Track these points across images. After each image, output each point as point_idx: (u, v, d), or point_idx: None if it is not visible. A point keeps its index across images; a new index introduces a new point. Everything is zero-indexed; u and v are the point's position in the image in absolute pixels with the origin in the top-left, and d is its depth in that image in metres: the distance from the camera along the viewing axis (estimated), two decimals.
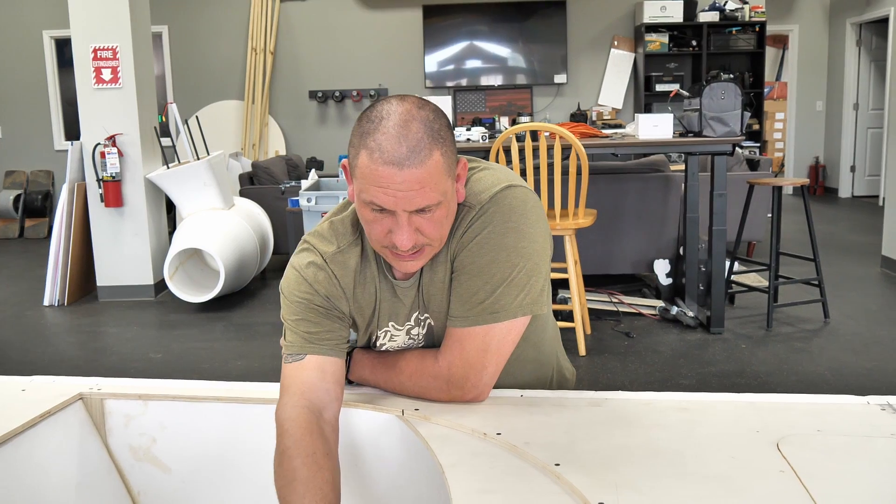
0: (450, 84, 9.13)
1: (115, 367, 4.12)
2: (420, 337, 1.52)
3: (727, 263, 4.68)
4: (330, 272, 1.46)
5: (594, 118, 9.07)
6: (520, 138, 4.07)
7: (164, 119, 5.89)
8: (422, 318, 1.50)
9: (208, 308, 5.28)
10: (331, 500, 1.23)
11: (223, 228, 5.22)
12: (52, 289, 5.58)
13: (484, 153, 4.25)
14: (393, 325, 1.51)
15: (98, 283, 5.69)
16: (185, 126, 5.79)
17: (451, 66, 9.15)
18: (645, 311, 4.84)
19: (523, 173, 4.03)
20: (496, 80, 9.17)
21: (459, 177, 1.38)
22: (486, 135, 4.42)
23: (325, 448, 1.31)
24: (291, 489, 1.24)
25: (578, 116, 8.75)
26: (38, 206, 8.98)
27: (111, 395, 1.58)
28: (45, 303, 5.60)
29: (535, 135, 4.01)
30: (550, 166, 3.97)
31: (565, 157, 3.96)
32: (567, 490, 1.16)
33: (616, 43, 9.28)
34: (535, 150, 4.02)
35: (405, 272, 1.43)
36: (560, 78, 9.15)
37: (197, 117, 6.37)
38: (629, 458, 1.24)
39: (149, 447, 1.58)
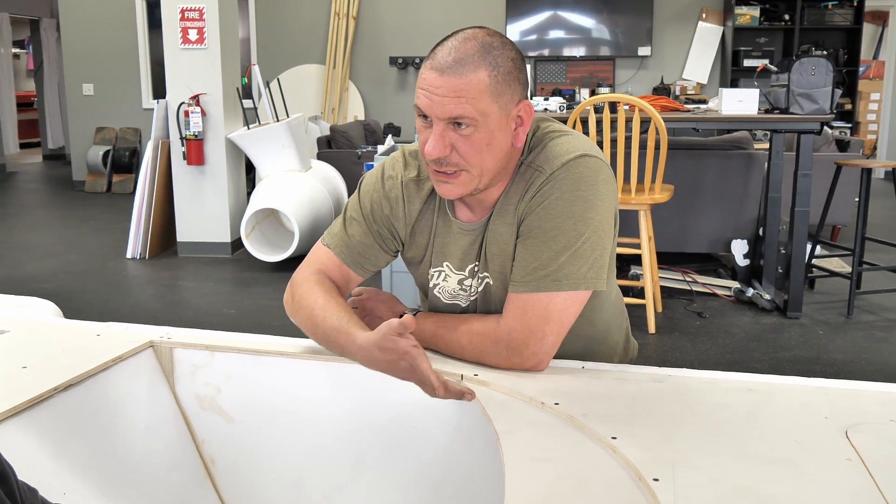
0: (531, 54, 9.02)
1: (190, 321, 4.24)
2: (474, 291, 1.52)
3: (809, 247, 4.53)
4: (401, 194, 1.52)
5: (677, 92, 8.84)
6: (598, 110, 4.00)
7: (246, 81, 5.98)
8: (478, 272, 1.50)
9: (282, 267, 5.38)
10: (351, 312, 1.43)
11: (299, 190, 5.30)
12: (135, 242, 5.77)
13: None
14: (448, 266, 1.52)
15: (178, 239, 5.86)
16: (267, 88, 5.88)
17: (532, 36, 9.03)
18: (719, 292, 4.73)
19: (600, 145, 3.96)
20: (578, 51, 9.01)
21: (521, 120, 1.39)
22: (564, 105, 4.36)
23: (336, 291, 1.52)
24: (317, 312, 1.45)
25: (661, 90, 8.55)
26: (125, 162, 9.26)
27: (180, 344, 1.63)
28: (128, 255, 5.80)
29: (613, 107, 3.94)
30: (628, 139, 3.89)
31: (644, 131, 3.87)
32: (622, 464, 1.14)
33: (704, 15, 9.00)
34: (614, 123, 3.95)
35: (445, 196, 1.42)
36: (644, 50, 8.94)
37: (279, 80, 6.46)
38: (688, 436, 1.21)
39: (214, 397, 1.62)
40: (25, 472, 1.09)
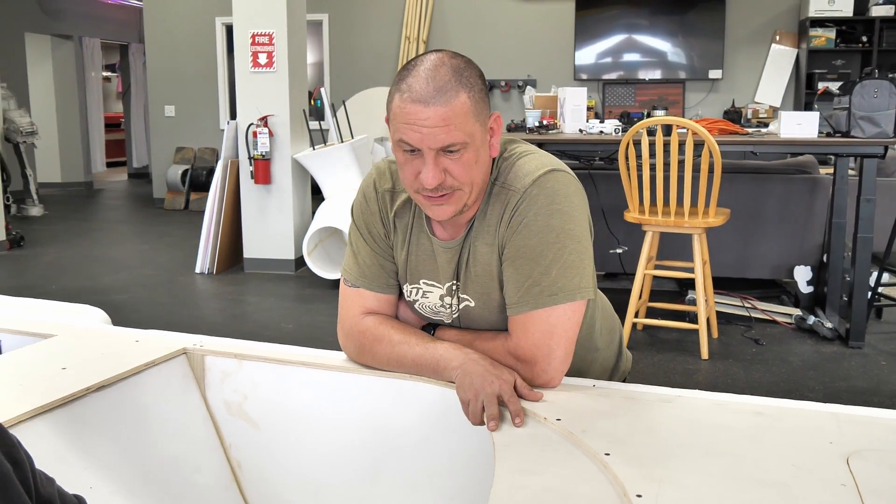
0: (599, 77, 9.01)
1: (249, 334, 4.37)
2: (454, 309, 1.56)
3: (874, 274, 4.40)
4: (381, 206, 1.58)
5: (749, 116, 8.69)
6: (653, 132, 3.99)
7: (312, 103, 6.16)
8: (457, 292, 1.54)
9: None
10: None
11: None
12: (204, 258, 5.98)
13: (616, 146, 4.20)
14: (425, 283, 1.56)
15: (244, 255, 6.05)
16: (333, 110, 6.04)
17: (601, 59, 9.02)
18: (779, 319, 4.63)
19: (652, 168, 3.95)
20: (647, 74, 8.96)
21: (493, 131, 1.43)
22: (619, 128, 4.36)
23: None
24: (397, 349, 1.53)
25: (732, 114, 8.41)
26: (202, 180, 9.59)
27: (211, 352, 1.71)
28: (197, 270, 6.01)
29: (669, 130, 3.93)
30: (682, 163, 3.87)
31: (699, 154, 3.85)
32: (609, 479, 1.17)
33: (778, 38, 8.85)
34: (668, 146, 3.93)
35: (438, 218, 1.47)
36: (715, 73, 8.83)
37: (344, 102, 6.62)
38: (683, 455, 1.23)
39: (241, 403, 1.70)
40: (54, 466, 1.18)
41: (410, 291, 1.60)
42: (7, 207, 7.38)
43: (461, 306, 1.55)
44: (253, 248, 6.01)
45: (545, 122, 4.68)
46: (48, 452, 1.33)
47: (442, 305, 1.57)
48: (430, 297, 1.58)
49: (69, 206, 9.95)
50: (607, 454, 1.22)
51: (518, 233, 1.44)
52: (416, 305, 1.61)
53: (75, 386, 1.48)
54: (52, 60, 11.74)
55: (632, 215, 4.08)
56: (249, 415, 1.70)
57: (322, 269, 5.45)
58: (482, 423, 1.37)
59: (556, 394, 1.47)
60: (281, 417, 1.68)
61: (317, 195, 6.33)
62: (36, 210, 9.07)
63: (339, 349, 1.68)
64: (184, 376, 1.69)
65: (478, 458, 1.48)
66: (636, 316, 4.20)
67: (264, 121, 5.71)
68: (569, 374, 1.55)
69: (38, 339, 1.81)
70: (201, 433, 1.69)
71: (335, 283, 5.54)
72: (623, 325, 4.03)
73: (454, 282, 1.54)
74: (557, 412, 1.38)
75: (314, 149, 5.82)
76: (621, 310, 3.99)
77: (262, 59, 5.67)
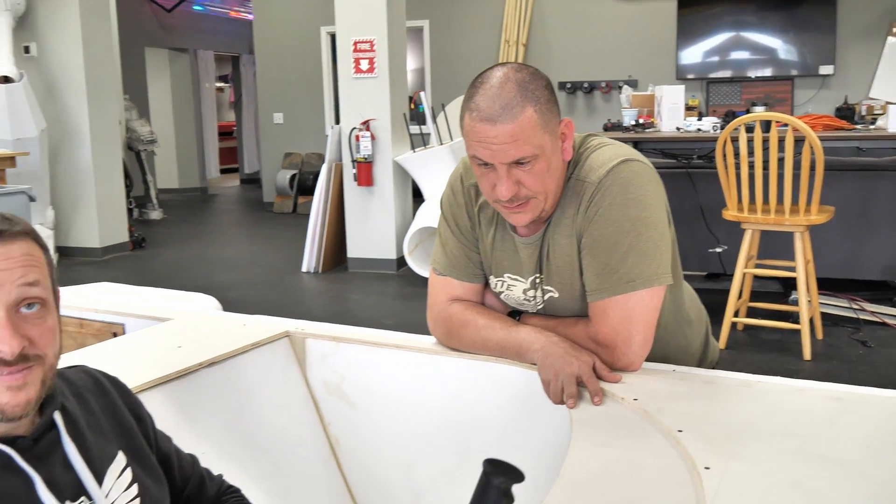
0: (703, 76, 8.86)
1: None
2: (539, 302, 1.62)
3: None
4: (467, 199, 1.66)
5: (863, 112, 8.37)
6: (752, 129, 3.94)
7: (412, 107, 6.32)
8: (541, 284, 1.60)
9: None
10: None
11: None
12: (310, 257, 6.23)
13: (714, 144, 4.16)
14: (509, 277, 1.63)
15: (348, 255, 6.26)
16: (432, 113, 6.18)
17: (706, 58, 8.87)
18: (890, 321, 4.48)
19: (751, 165, 3.90)
20: (755, 71, 8.75)
21: (565, 136, 1.49)
22: (718, 125, 4.32)
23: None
24: (482, 333, 1.61)
25: (845, 111, 8.12)
26: (309, 184, 9.91)
27: (311, 335, 1.84)
28: (303, 269, 6.26)
29: (768, 126, 3.87)
30: (782, 160, 3.81)
31: (800, 151, 3.78)
32: (680, 453, 1.22)
33: (895, 30, 8.48)
34: (768, 143, 3.87)
35: (517, 225, 1.53)
36: (826, 69, 8.55)
37: (443, 106, 6.76)
38: (755, 435, 1.26)
39: (339, 383, 1.82)
40: (170, 432, 1.31)
41: (496, 284, 1.67)
42: (130, 211, 7.86)
43: (545, 297, 1.62)
44: (356, 247, 6.21)
45: (642, 121, 4.67)
46: (165, 419, 1.47)
47: (525, 298, 1.65)
48: (515, 290, 1.65)
49: (186, 210, 10.48)
50: (680, 431, 1.27)
51: (594, 222, 1.50)
52: (501, 297, 1.69)
53: (189, 362, 1.63)
54: (169, 73, 12.40)
55: (730, 213, 4.04)
56: (346, 394, 1.82)
57: (422, 268, 5.59)
58: (562, 402, 1.44)
59: (636, 377, 1.52)
60: (375, 397, 1.79)
61: (417, 197, 6.49)
62: (156, 214, 9.59)
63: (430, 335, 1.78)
64: (286, 357, 1.83)
65: (557, 436, 1.55)
66: (736, 315, 4.15)
67: (366, 125, 5.90)
68: (654, 361, 1.60)
69: (157, 322, 1.98)
70: (302, 410, 1.82)
71: None
72: (722, 324, 4.00)
73: (537, 275, 1.60)
74: (635, 393, 1.43)
75: (414, 151, 5.98)
76: (720, 309, 3.96)
77: (364, 65, 5.87)
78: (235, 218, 10.22)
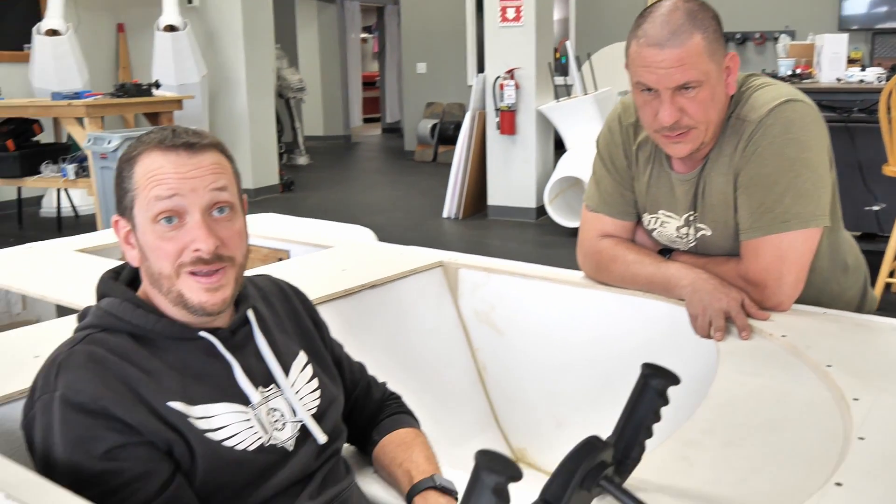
0: (869, 26, 8.33)
1: None
2: (691, 239, 1.64)
3: None
4: (625, 138, 1.69)
5: None
6: None
7: (557, 57, 6.29)
8: (695, 222, 1.62)
9: None
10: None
11: None
12: (451, 204, 6.37)
13: (877, 96, 3.96)
14: (664, 213, 1.65)
15: (489, 203, 6.36)
16: (577, 63, 6.14)
17: (871, 8, 8.32)
18: None
19: None
20: None
21: (729, 70, 1.49)
22: (883, 76, 4.10)
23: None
24: (631, 268, 1.66)
25: None
26: (449, 134, 10.05)
27: (464, 265, 1.94)
28: (444, 215, 6.42)
29: None
30: None
31: None
32: (827, 385, 1.24)
33: None
34: None
35: (676, 155, 1.55)
36: None
37: (589, 55, 6.68)
38: None
39: (488, 312, 1.92)
40: None
41: (649, 221, 1.71)
42: (280, 156, 8.23)
43: (698, 235, 1.64)
44: (497, 195, 6.30)
45: (799, 71, 4.49)
46: (333, 331, 1.60)
47: (678, 235, 1.67)
48: (668, 227, 1.68)
49: (330, 157, 10.86)
50: (829, 366, 1.28)
51: (752, 161, 1.51)
52: (653, 234, 1.72)
53: (352, 283, 1.76)
54: (317, 23, 12.77)
55: (891, 168, 3.85)
56: (495, 323, 1.91)
57: (562, 218, 5.63)
58: (709, 337, 1.48)
59: (784, 316, 1.53)
60: (523, 326, 1.88)
61: (558, 148, 6.50)
62: (303, 159, 9.99)
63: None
64: (440, 285, 1.94)
65: (702, 370, 1.59)
66: (891, 276, 3.97)
67: (511, 74, 5.93)
68: (808, 304, 1.60)
69: (320, 249, 2.13)
70: (453, 336, 1.93)
71: (575, 231, 5.67)
72: (875, 285, 3.84)
73: (691, 212, 1.63)
74: (783, 330, 1.45)
75: (558, 101, 5.97)
76: (874, 271, 3.77)
77: (511, 13, 5.88)
78: (377, 165, 10.51)
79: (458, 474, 1.25)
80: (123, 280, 1.18)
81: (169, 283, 1.08)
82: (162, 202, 1.06)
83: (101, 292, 1.16)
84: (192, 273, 1.07)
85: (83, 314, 1.15)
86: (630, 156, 1.69)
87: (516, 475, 0.66)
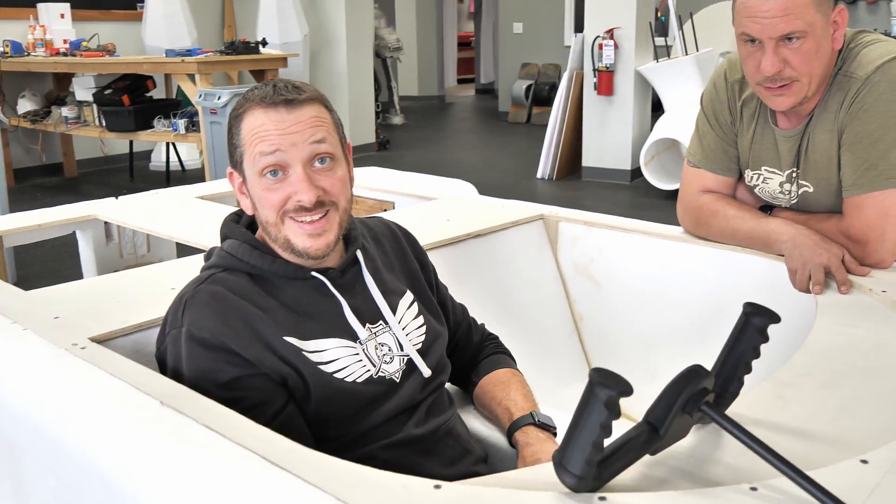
0: None
1: None
2: (793, 195, 1.65)
3: None
4: (730, 95, 1.69)
5: None
6: None
7: (658, 16, 6.18)
8: (797, 178, 1.63)
9: (675, 196, 5.58)
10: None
11: None
12: (545, 164, 6.39)
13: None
14: (766, 170, 1.66)
15: (583, 164, 6.35)
16: (679, 22, 6.02)
17: None
18: None
19: None
20: None
21: (837, 24, 1.48)
22: None
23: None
24: (731, 223, 1.69)
25: None
26: (544, 95, 10.00)
27: (564, 219, 2.00)
28: (538, 175, 6.44)
29: None
30: None
31: None
32: None
33: None
34: None
35: (778, 108, 1.56)
36: None
37: (691, 14, 6.54)
38: None
39: (587, 265, 1.97)
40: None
41: (752, 177, 1.73)
42: (376, 115, 8.37)
43: (800, 192, 1.65)
44: (591, 156, 6.28)
45: None
46: (439, 276, 1.70)
47: (781, 192, 1.69)
48: (770, 183, 1.70)
49: (424, 117, 10.96)
50: None
51: (857, 118, 1.51)
52: (756, 190, 1.74)
53: (457, 232, 1.85)
54: None
55: None
56: (593, 275, 1.97)
57: (658, 180, 5.58)
58: (808, 291, 1.50)
59: (886, 273, 1.54)
60: (621, 279, 1.93)
61: (655, 111, 6.41)
62: (398, 119, 10.12)
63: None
64: (540, 237, 2.00)
65: (800, 323, 1.61)
66: None
67: (610, 33, 5.87)
68: None
69: (424, 201, 2.22)
70: (551, 287, 1.99)
71: (670, 194, 5.65)
72: None
73: (794, 169, 1.64)
74: (884, 286, 1.46)
75: (658, 61, 5.88)
76: None
77: None
78: (471, 125, 10.56)
79: (555, 413, 1.32)
80: (244, 223, 1.28)
81: (276, 230, 1.17)
82: (265, 158, 1.14)
83: (224, 234, 1.26)
84: (296, 219, 1.16)
85: (208, 254, 1.26)
86: (734, 112, 1.71)
87: (627, 390, 0.73)
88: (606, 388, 0.73)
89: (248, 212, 1.23)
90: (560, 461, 0.79)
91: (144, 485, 0.89)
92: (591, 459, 0.77)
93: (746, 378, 0.96)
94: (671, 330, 1.86)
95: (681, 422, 0.85)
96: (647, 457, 0.86)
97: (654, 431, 0.83)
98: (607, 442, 0.78)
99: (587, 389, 0.75)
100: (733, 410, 0.98)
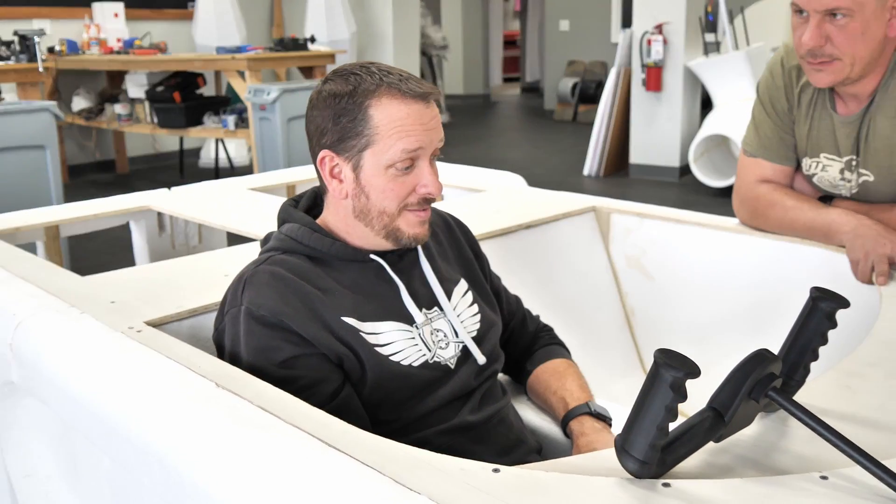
0: None
1: None
2: (853, 185, 1.60)
3: None
4: (787, 81, 1.65)
5: None
6: None
7: (708, 10, 6.08)
8: (856, 167, 1.58)
9: (725, 194, 5.49)
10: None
11: None
12: (592, 161, 6.33)
13: None
14: (825, 157, 1.62)
15: (630, 161, 6.28)
16: (729, 16, 5.92)
17: None
18: None
19: None
20: None
21: (895, 11, 1.43)
22: None
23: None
24: (790, 214, 1.65)
25: None
26: (591, 93, 9.92)
27: (616, 210, 1.97)
28: (585, 173, 6.39)
29: None
30: None
31: None
32: None
33: None
34: None
35: (816, 84, 1.52)
36: None
37: (742, 8, 6.42)
38: None
39: (639, 257, 1.94)
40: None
41: (810, 165, 1.68)
42: None
43: (860, 181, 1.61)
44: (639, 153, 6.21)
45: None
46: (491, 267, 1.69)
47: (841, 179, 1.64)
48: (830, 170, 1.65)
49: (470, 115, 10.94)
50: None
51: None
52: (814, 179, 1.69)
53: (507, 223, 1.83)
54: None
55: None
56: (646, 268, 1.93)
57: (707, 177, 5.50)
58: (870, 282, 1.46)
59: None
60: (674, 272, 1.89)
61: (704, 107, 6.32)
62: (443, 117, 10.11)
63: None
64: (591, 229, 1.98)
65: (863, 316, 1.57)
66: None
67: (659, 29, 5.80)
68: None
69: (472, 193, 2.21)
70: (603, 280, 1.97)
71: (719, 192, 5.56)
72: None
73: (853, 156, 1.59)
74: None
75: (708, 56, 5.79)
76: None
77: None
78: (517, 124, 10.52)
79: (608, 406, 1.30)
80: (302, 208, 1.28)
81: (389, 219, 1.17)
82: (409, 154, 1.14)
83: (282, 218, 1.26)
84: (414, 210, 1.17)
85: (266, 239, 1.27)
86: (792, 99, 1.67)
87: (694, 371, 0.70)
88: (672, 368, 0.71)
89: (339, 197, 1.19)
90: (622, 445, 0.78)
91: (200, 465, 0.89)
92: (655, 444, 0.75)
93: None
94: (725, 324, 1.82)
95: (746, 408, 0.83)
96: (710, 444, 0.84)
97: (719, 417, 0.81)
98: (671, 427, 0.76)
99: (652, 370, 0.73)
100: (798, 399, 0.96)
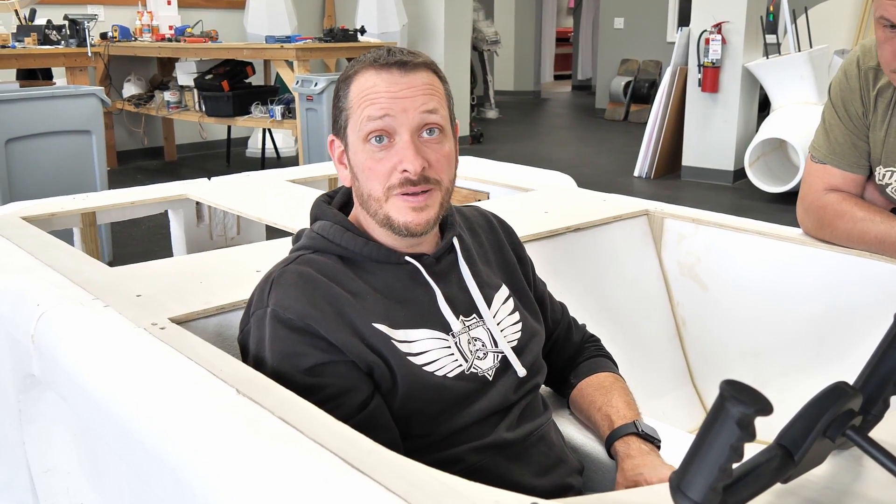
0: None
1: None
2: None
3: None
4: (863, 84, 1.55)
5: None
6: None
7: (770, 9, 5.90)
8: None
9: (780, 199, 5.32)
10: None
11: (811, 123, 5.14)
12: (643, 162, 6.19)
13: None
14: None
15: (683, 163, 6.12)
16: (792, 16, 5.73)
17: None
18: None
19: None
20: None
21: None
22: None
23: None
24: (860, 226, 1.56)
25: None
26: (643, 93, 9.75)
27: (671, 215, 1.87)
28: (635, 174, 6.25)
29: None
30: None
31: None
32: None
33: None
34: None
35: None
36: None
37: (806, 9, 6.22)
38: None
39: (693, 265, 1.84)
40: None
41: (884, 175, 1.57)
42: (471, 108, 8.29)
43: None
44: (692, 155, 6.05)
45: None
46: (536, 270, 1.60)
47: None
48: None
49: (519, 112, 10.83)
50: None
51: None
52: (888, 190, 1.58)
53: (556, 225, 1.74)
54: None
55: None
56: (700, 276, 1.83)
57: (763, 182, 5.32)
58: None
59: None
60: (730, 282, 1.79)
61: (761, 110, 6.14)
62: (492, 113, 10.02)
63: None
64: (643, 234, 1.88)
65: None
66: None
67: (718, 28, 5.63)
68: None
69: (520, 192, 2.12)
70: (654, 287, 1.87)
71: (774, 197, 5.38)
72: None
73: None
74: None
75: (768, 58, 5.61)
76: None
77: None
78: (566, 122, 10.38)
79: (654, 424, 1.21)
80: (335, 204, 1.21)
81: (377, 204, 1.09)
82: (373, 122, 1.06)
83: (314, 215, 1.19)
84: (400, 194, 1.07)
85: (297, 236, 1.20)
86: (867, 102, 1.55)
87: (766, 409, 0.61)
88: (741, 403, 0.62)
89: (346, 184, 1.15)
90: (678, 485, 0.68)
91: (214, 479, 0.82)
92: (715, 486, 0.66)
93: None
94: (784, 342, 1.71)
95: (819, 446, 0.73)
96: (777, 485, 0.74)
97: (789, 456, 0.71)
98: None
99: (717, 404, 0.64)
100: (873, 436, 0.86)
